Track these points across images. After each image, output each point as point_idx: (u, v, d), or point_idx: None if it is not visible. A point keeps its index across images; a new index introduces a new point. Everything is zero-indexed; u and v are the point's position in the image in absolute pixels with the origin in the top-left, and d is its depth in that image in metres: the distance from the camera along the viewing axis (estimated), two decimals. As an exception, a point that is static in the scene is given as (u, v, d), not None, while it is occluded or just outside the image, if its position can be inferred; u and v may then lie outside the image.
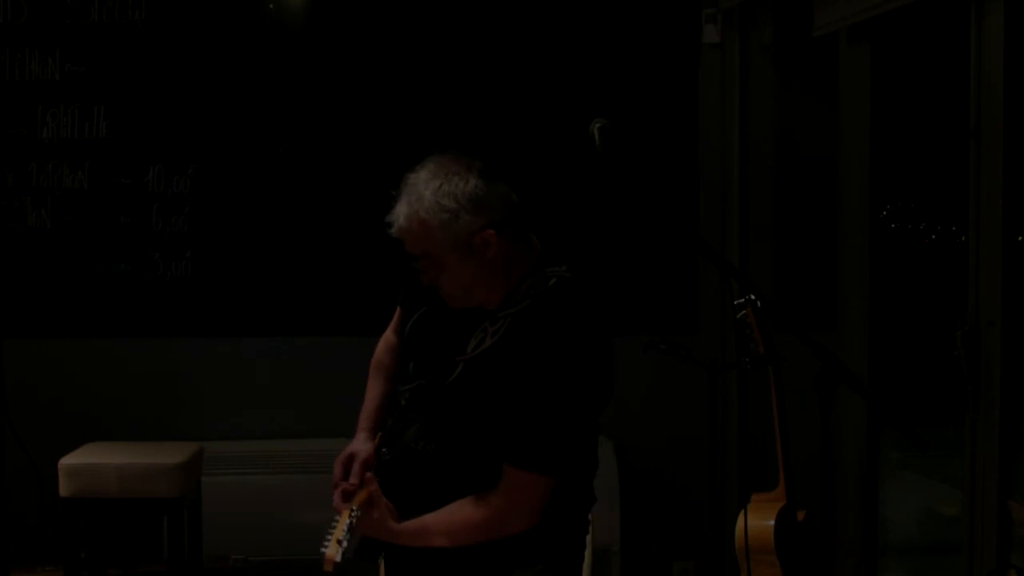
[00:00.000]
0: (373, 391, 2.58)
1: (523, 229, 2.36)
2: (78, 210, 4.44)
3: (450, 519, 2.28)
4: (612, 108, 4.47)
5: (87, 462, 3.84)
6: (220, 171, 4.47)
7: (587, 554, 3.86)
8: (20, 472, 3.78)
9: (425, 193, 2.25)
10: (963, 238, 3.50)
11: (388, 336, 2.66)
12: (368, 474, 2.34)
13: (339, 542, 2.24)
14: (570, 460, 2.29)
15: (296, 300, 4.49)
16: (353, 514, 2.28)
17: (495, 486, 2.28)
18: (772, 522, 3.36)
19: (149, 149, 4.45)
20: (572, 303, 2.30)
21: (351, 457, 2.45)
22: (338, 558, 2.22)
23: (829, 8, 4.10)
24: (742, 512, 3.32)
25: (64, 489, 3.80)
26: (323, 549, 2.24)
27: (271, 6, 4.48)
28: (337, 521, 2.29)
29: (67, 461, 3.83)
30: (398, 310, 2.63)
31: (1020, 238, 3.37)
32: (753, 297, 3.04)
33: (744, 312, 3.23)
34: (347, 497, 2.31)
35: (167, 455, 3.90)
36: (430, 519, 2.29)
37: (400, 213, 2.28)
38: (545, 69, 4.53)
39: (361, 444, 2.48)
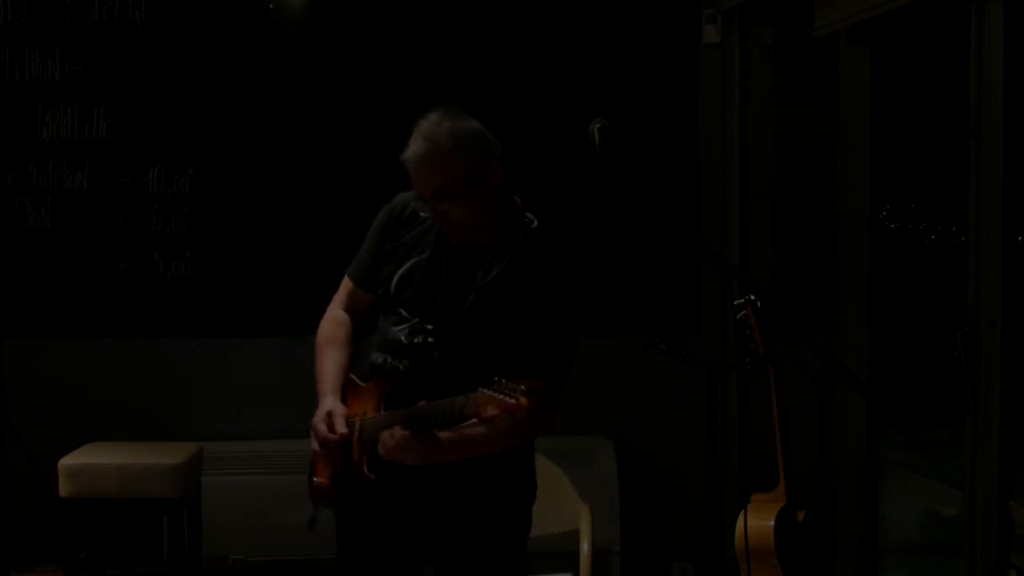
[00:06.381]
0: (331, 359, 2.71)
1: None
2: (78, 210, 4.44)
3: (492, 429, 2.46)
4: (612, 108, 4.47)
5: (87, 462, 3.84)
6: (220, 171, 4.47)
7: (587, 554, 3.87)
8: (20, 472, 3.78)
9: (440, 129, 2.49)
10: (963, 238, 3.50)
11: (335, 314, 2.80)
12: (421, 402, 2.45)
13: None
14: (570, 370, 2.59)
15: (296, 300, 4.48)
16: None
17: None
18: (772, 522, 3.36)
19: (149, 149, 4.45)
20: (561, 239, 2.63)
21: (330, 415, 2.59)
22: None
23: (829, 8, 4.10)
24: (742, 512, 3.32)
25: (64, 489, 3.79)
26: None
27: (271, 6, 4.48)
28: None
29: (67, 461, 3.83)
30: (348, 288, 2.79)
31: (1020, 238, 3.37)
32: (753, 297, 3.04)
33: (744, 312, 3.24)
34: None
35: (167, 455, 3.90)
36: (471, 431, 2.46)
37: (418, 148, 2.49)
38: (546, 69, 4.53)
39: (334, 403, 2.62)
